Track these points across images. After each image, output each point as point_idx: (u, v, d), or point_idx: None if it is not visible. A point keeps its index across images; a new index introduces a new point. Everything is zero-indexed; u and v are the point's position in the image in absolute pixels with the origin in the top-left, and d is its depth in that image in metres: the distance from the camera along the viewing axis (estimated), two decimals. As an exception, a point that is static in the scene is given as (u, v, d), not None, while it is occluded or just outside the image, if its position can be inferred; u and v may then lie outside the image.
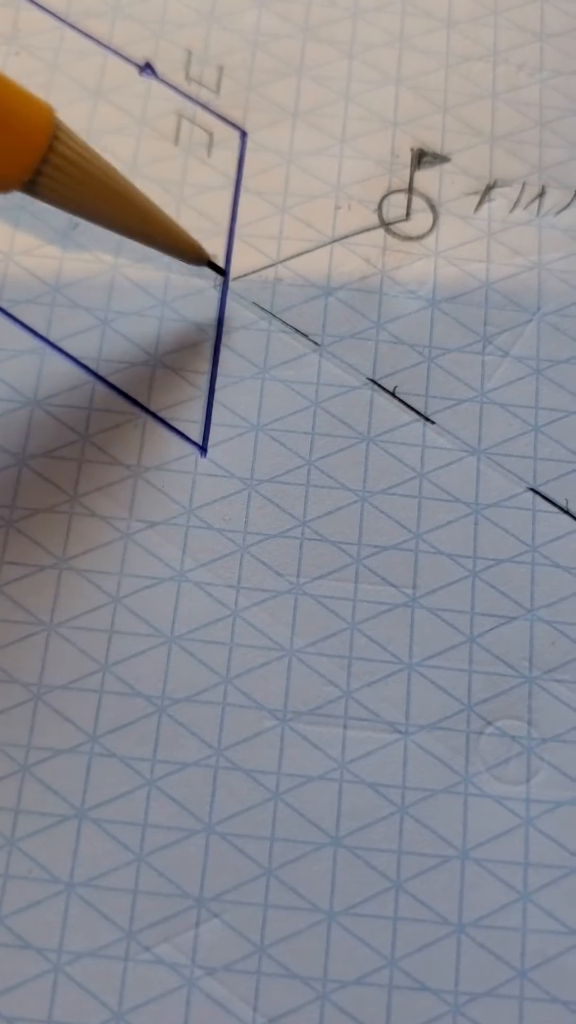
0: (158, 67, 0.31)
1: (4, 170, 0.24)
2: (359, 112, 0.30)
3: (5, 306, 0.28)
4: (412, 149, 0.30)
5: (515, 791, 0.24)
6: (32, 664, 0.25)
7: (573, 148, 0.30)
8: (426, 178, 0.30)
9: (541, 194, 0.30)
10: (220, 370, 0.28)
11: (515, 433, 0.27)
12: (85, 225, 0.29)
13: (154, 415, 0.27)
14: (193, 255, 0.27)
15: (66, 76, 0.30)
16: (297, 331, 0.28)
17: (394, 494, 0.27)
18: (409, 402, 0.28)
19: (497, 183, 0.30)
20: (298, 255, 0.29)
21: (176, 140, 0.30)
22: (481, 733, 0.25)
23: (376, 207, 0.30)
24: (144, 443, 0.27)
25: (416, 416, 0.27)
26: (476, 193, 0.30)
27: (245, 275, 0.29)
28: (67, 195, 0.25)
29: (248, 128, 0.30)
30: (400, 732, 0.25)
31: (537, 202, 0.30)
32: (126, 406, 0.27)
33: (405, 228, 0.29)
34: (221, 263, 0.29)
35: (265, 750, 0.24)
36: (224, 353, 0.28)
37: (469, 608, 0.26)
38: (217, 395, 0.27)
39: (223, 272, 0.28)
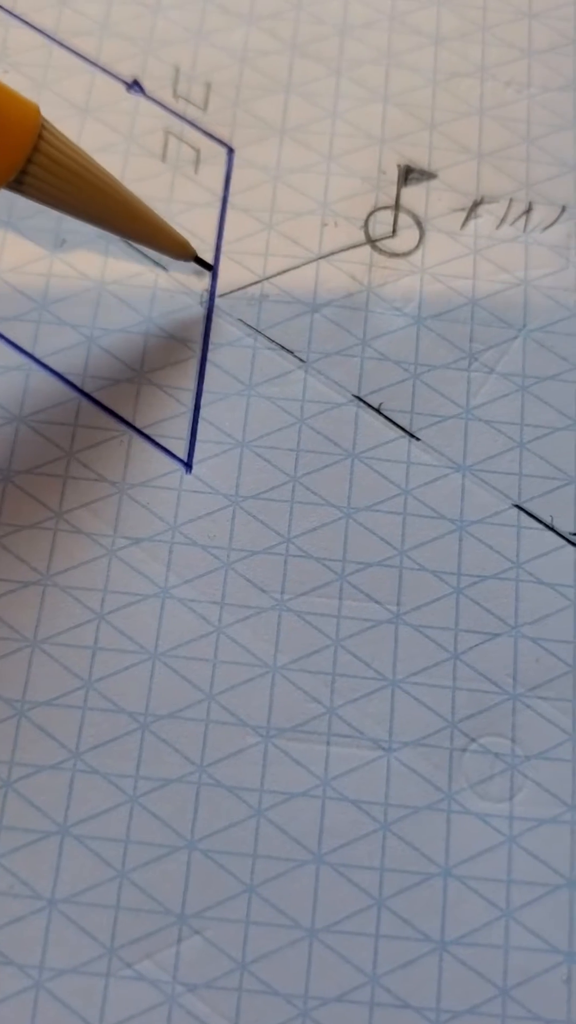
0: (146, 84, 0.31)
1: None
2: (346, 129, 0.31)
3: (-9, 323, 0.28)
4: (399, 166, 0.30)
5: (498, 808, 0.24)
6: (15, 680, 0.25)
7: (560, 164, 0.30)
8: (413, 195, 0.30)
9: (528, 210, 0.30)
10: (205, 387, 0.28)
11: (500, 450, 0.27)
12: (72, 242, 0.29)
13: (139, 432, 0.27)
14: (180, 251, 0.28)
15: (54, 93, 0.30)
16: (283, 348, 0.28)
17: (379, 511, 0.27)
18: (394, 419, 0.28)
19: (484, 199, 0.30)
20: (284, 272, 0.29)
21: (164, 157, 0.30)
22: (464, 750, 0.25)
23: (362, 224, 0.30)
24: (129, 460, 0.27)
25: (401, 433, 0.28)
26: (463, 210, 0.30)
27: (231, 292, 0.29)
28: (53, 193, 0.25)
29: (235, 145, 0.30)
30: (383, 749, 0.25)
31: (524, 218, 0.30)
32: (111, 423, 0.27)
33: (391, 245, 0.29)
34: (207, 280, 0.29)
35: (248, 767, 0.25)
36: (209, 370, 0.28)
37: (453, 625, 0.26)
38: (202, 412, 0.27)
39: (211, 267, 0.28)
